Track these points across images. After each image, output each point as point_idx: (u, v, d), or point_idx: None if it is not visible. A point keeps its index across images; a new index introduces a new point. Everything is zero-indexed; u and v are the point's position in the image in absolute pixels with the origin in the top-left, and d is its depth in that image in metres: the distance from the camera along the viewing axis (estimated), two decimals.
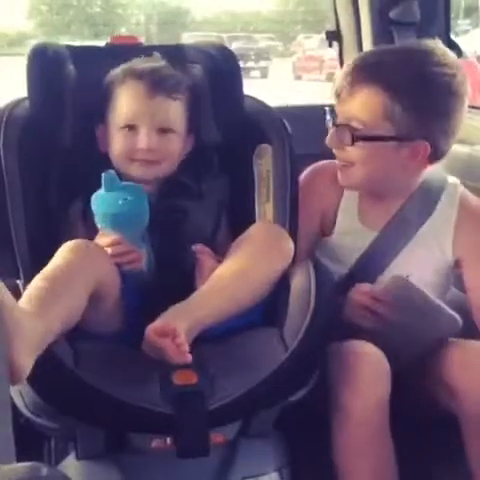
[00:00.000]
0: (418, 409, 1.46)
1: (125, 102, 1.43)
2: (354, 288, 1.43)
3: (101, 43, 1.66)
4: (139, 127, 1.41)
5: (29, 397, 1.21)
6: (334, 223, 1.55)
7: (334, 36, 2.29)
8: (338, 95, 1.45)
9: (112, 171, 1.33)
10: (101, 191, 1.33)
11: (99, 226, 1.35)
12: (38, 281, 1.21)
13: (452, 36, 2.18)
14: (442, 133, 1.43)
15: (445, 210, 1.53)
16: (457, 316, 1.39)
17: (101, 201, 1.34)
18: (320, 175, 1.57)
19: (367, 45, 2.12)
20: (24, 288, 1.25)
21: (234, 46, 19.61)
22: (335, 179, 1.54)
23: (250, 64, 19.57)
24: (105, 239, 1.33)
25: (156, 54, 1.52)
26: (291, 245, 1.39)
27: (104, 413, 1.18)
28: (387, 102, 1.39)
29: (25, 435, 1.23)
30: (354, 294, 1.42)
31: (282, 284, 1.36)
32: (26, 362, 1.07)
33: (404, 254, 1.51)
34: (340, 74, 1.48)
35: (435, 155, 1.46)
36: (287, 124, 1.54)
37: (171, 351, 1.19)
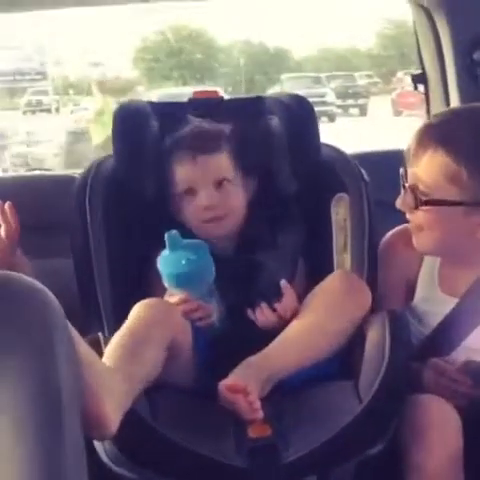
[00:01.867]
0: None
1: (176, 172, 1.49)
2: (429, 364, 1.38)
3: (203, 86, 1.71)
4: (196, 188, 1.47)
5: (109, 447, 1.24)
6: (415, 288, 1.50)
7: (420, 79, 2.28)
8: (408, 158, 1.41)
9: (175, 231, 1.37)
10: (166, 251, 1.37)
11: (166, 285, 1.39)
12: (118, 340, 1.25)
13: None
14: None
15: None
16: None
17: (165, 262, 1.38)
18: (399, 241, 1.51)
19: (452, 88, 2.10)
20: (105, 341, 1.30)
21: (333, 85, 19.87)
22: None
23: (349, 102, 19.67)
24: (173, 298, 1.37)
25: (190, 117, 1.57)
26: (369, 296, 1.38)
27: (180, 466, 1.19)
28: (451, 165, 1.32)
29: None
30: (430, 372, 1.37)
31: (358, 335, 1.35)
32: (115, 419, 1.11)
33: None
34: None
35: None
36: (364, 172, 1.54)
37: (243, 408, 1.21)
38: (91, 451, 1.17)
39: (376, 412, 1.23)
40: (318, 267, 1.50)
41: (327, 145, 1.61)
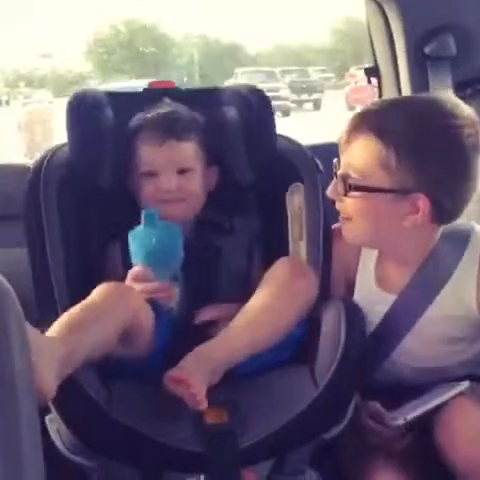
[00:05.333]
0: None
1: (141, 152, 1.50)
2: (368, 410, 1.39)
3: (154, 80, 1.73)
4: (159, 172, 1.48)
5: (66, 436, 1.24)
6: (354, 284, 1.51)
7: (372, 72, 2.31)
8: (340, 146, 1.41)
9: (154, 209, 1.39)
10: (139, 227, 1.39)
11: (134, 261, 1.39)
12: (68, 313, 1.24)
13: None
14: (445, 190, 1.32)
15: (468, 266, 1.42)
16: None
17: (136, 237, 1.39)
18: (338, 234, 1.48)
19: (404, 80, 2.13)
20: None
21: (287, 79, 19.98)
22: None
23: (303, 97, 19.82)
24: (136, 271, 1.36)
25: (166, 100, 1.58)
26: (313, 280, 1.40)
27: (138, 452, 1.20)
28: (381, 150, 1.31)
29: (67, 473, 1.27)
30: (369, 416, 1.38)
31: (312, 321, 1.37)
32: (51, 384, 1.07)
33: (426, 317, 1.43)
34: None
35: (441, 215, 1.36)
36: (319, 162, 1.56)
37: (186, 399, 1.20)
38: (46, 442, 1.17)
39: (331, 397, 1.25)
40: (274, 255, 1.50)
41: (283, 136, 1.63)
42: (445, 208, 1.35)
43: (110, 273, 1.46)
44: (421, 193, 1.32)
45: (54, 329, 1.20)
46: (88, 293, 1.33)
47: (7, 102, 19.64)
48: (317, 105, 19.74)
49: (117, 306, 1.27)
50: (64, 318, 1.23)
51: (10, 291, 0.92)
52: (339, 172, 1.40)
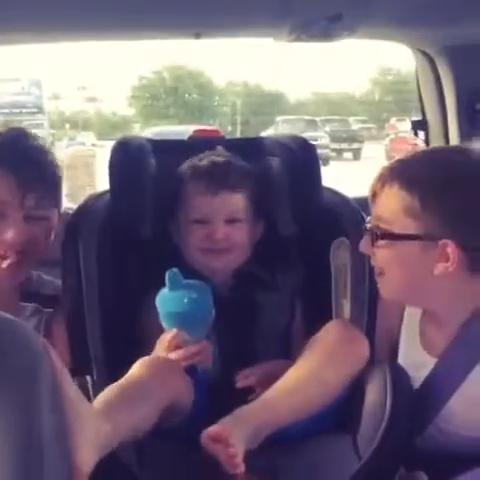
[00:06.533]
0: None
1: (192, 200, 1.46)
2: None
3: (199, 125, 1.70)
4: (208, 221, 1.44)
5: None
6: (397, 349, 1.42)
7: (420, 125, 2.27)
8: (369, 199, 1.38)
9: (175, 269, 1.32)
10: (165, 290, 1.32)
11: (164, 325, 1.33)
12: (111, 388, 1.18)
13: None
14: (474, 237, 1.27)
15: None
16: None
17: (165, 300, 1.32)
18: (382, 298, 1.41)
19: (453, 135, 2.08)
20: (93, 384, 1.23)
21: (327, 128, 20.10)
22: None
23: (343, 146, 19.89)
24: (170, 337, 1.31)
25: (219, 148, 1.54)
26: (366, 347, 1.33)
27: None
28: (405, 197, 1.28)
29: None
30: None
31: (356, 387, 1.30)
32: (87, 460, 1.01)
33: (470, 380, 1.32)
34: None
35: (475, 264, 1.28)
36: (366, 217, 1.50)
37: (223, 460, 1.14)
38: None
39: (374, 470, 1.17)
40: (317, 312, 1.46)
41: (328, 189, 1.58)
42: (478, 256, 1.28)
43: (146, 325, 1.42)
44: (449, 240, 1.26)
45: (98, 404, 1.14)
46: (123, 347, 1.28)
47: (52, 143, 20.09)
48: (357, 155, 19.78)
49: (160, 384, 1.21)
50: (108, 395, 1.17)
51: (41, 351, 0.87)
52: (368, 225, 1.37)
